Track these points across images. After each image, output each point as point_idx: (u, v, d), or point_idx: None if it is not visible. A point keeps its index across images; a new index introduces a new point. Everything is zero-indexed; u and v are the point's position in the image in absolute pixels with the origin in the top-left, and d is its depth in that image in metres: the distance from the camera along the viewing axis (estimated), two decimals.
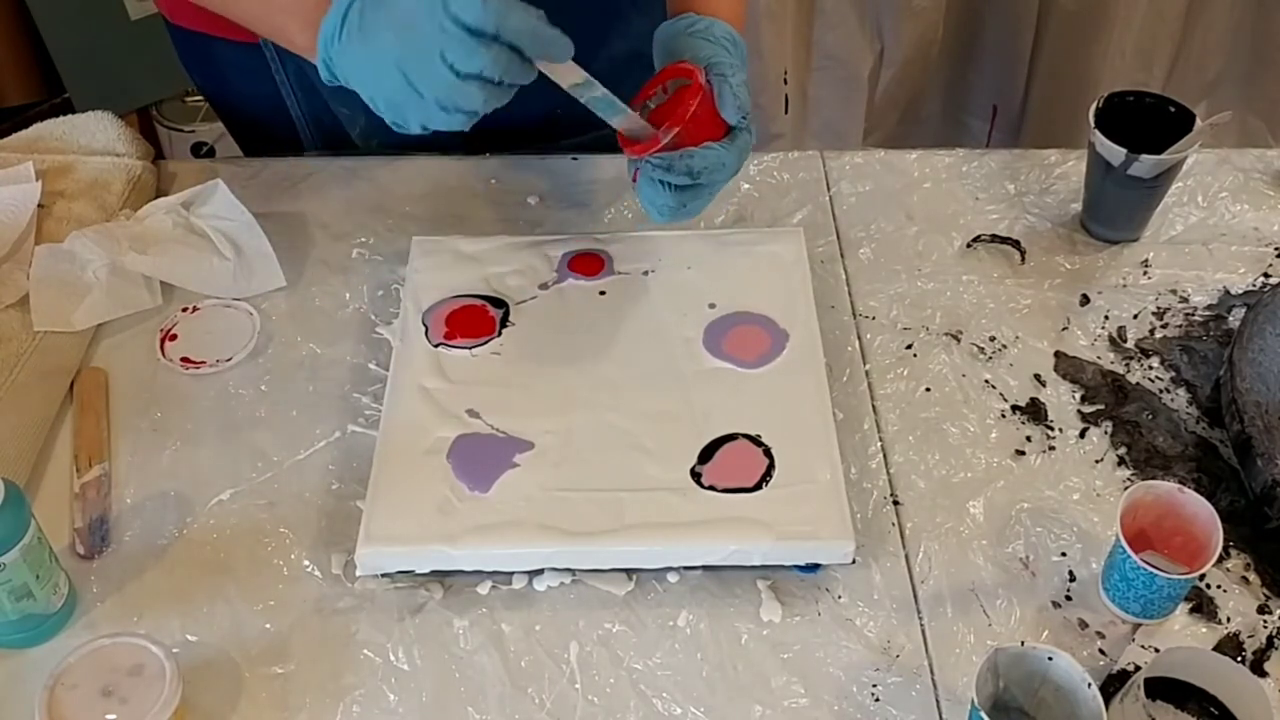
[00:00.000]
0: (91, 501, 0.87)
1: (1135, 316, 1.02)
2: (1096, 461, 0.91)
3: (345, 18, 0.78)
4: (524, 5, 0.75)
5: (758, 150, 1.24)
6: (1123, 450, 0.92)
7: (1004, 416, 0.94)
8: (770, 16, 1.97)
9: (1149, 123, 1.03)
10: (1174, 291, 1.04)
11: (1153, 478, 0.88)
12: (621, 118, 0.85)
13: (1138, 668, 0.78)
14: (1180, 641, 0.80)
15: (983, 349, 0.99)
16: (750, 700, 0.77)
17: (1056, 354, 0.98)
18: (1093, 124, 1.03)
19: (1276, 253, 1.07)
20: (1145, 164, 1.01)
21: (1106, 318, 1.01)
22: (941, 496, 0.89)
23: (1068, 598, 0.83)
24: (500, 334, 0.95)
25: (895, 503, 0.88)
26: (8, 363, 0.94)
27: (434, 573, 0.83)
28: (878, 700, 0.77)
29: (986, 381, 0.96)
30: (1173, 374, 0.97)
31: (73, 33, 1.85)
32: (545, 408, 0.89)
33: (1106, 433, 0.93)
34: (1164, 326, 1.01)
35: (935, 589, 0.83)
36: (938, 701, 0.77)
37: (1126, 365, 0.98)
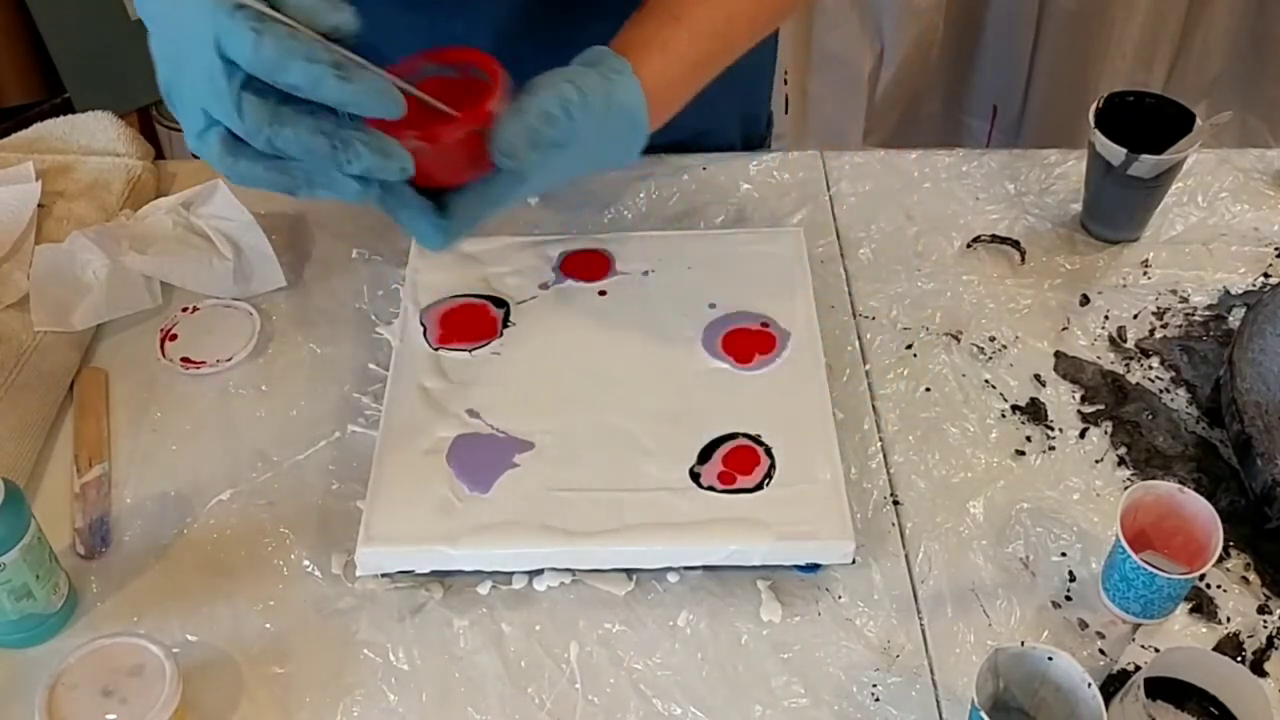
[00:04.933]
0: (91, 501, 0.87)
1: (1135, 316, 1.02)
2: (1096, 461, 0.91)
3: None
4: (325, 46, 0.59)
5: (758, 150, 1.25)
6: (1123, 450, 0.92)
7: (1004, 416, 0.94)
8: None
9: (1149, 123, 1.03)
10: (1174, 291, 1.04)
11: (1153, 478, 0.88)
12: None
13: (1138, 668, 0.78)
14: (1180, 641, 0.80)
15: (983, 349, 0.99)
16: (750, 700, 0.77)
17: (1056, 354, 0.98)
18: (1093, 124, 1.03)
19: (1276, 253, 1.07)
20: (1145, 164, 1.00)
21: (1106, 318, 1.01)
22: (941, 496, 0.89)
23: (1068, 598, 0.83)
24: (502, 334, 0.95)
25: (895, 503, 0.88)
26: (8, 363, 0.94)
27: (434, 573, 0.83)
28: (878, 700, 0.77)
29: (986, 381, 0.96)
30: (1173, 374, 0.97)
31: (73, 33, 1.85)
32: (545, 408, 0.89)
33: (1106, 433, 0.93)
34: (1164, 326, 1.01)
35: (935, 589, 0.83)
36: (938, 701, 0.77)
37: (1126, 365, 0.98)
